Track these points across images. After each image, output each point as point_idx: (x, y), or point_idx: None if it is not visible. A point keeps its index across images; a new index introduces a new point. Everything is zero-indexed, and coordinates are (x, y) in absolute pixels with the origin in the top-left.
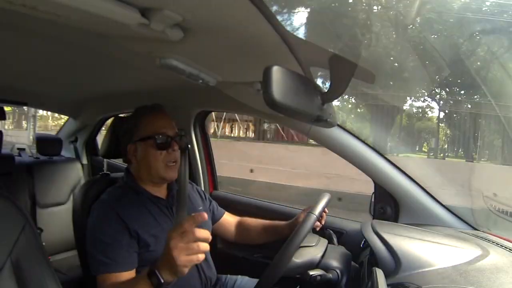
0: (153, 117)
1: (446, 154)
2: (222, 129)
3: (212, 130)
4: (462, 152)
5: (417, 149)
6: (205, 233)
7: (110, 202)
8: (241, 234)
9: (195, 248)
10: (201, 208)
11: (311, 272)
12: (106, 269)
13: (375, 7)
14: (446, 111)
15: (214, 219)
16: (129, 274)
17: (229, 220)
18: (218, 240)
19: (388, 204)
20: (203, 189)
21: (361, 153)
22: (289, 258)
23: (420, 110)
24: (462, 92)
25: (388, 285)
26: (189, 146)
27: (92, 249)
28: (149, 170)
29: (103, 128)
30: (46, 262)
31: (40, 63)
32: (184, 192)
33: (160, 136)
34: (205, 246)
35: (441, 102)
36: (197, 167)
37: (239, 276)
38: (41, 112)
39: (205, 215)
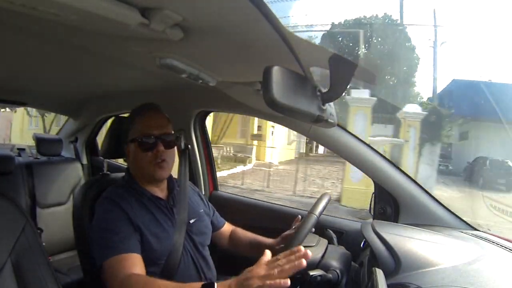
0: (143, 117)
1: None
2: None
3: None
4: None
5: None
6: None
7: (114, 197)
8: (232, 245)
9: (275, 275)
10: (202, 210)
11: (311, 272)
12: (114, 251)
13: None
14: None
15: (215, 228)
16: (139, 257)
17: (227, 230)
18: None
19: (388, 204)
20: (203, 189)
21: (361, 153)
22: None
23: None
24: None
25: (388, 285)
26: (189, 146)
27: (98, 239)
28: (140, 170)
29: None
30: (46, 262)
31: (40, 63)
32: (184, 193)
33: (144, 138)
34: (286, 282)
35: None
36: (197, 167)
37: None
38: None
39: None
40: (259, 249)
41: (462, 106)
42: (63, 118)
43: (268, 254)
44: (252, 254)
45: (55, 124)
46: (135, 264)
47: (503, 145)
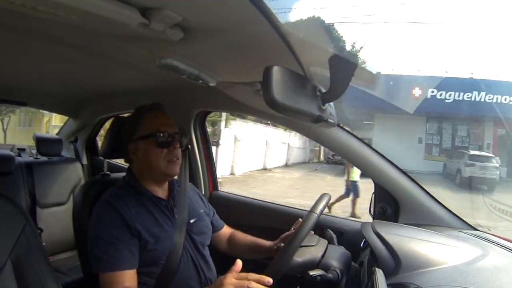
0: (153, 115)
1: None
2: None
3: None
4: None
5: None
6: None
7: (111, 200)
8: (231, 247)
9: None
10: (202, 210)
11: (311, 272)
12: (108, 267)
13: None
14: None
15: (214, 229)
16: (132, 273)
17: (225, 232)
18: None
19: (388, 204)
20: (203, 189)
21: (361, 153)
22: (290, 257)
23: None
24: None
25: (388, 285)
26: (189, 146)
27: (93, 247)
28: (150, 168)
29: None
30: (46, 262)
31: (40, 63)
32: (184, 193)
33: (162, 134)
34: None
35: None
36: (197, 167)
37: None
38: None
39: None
40: (259, 251)
41: (365, 98)
42: (23, 120)
43: (239, 263)
44: (251, 257)
45: (17, 124)
46: (126, 280)
47: (400, 134)
